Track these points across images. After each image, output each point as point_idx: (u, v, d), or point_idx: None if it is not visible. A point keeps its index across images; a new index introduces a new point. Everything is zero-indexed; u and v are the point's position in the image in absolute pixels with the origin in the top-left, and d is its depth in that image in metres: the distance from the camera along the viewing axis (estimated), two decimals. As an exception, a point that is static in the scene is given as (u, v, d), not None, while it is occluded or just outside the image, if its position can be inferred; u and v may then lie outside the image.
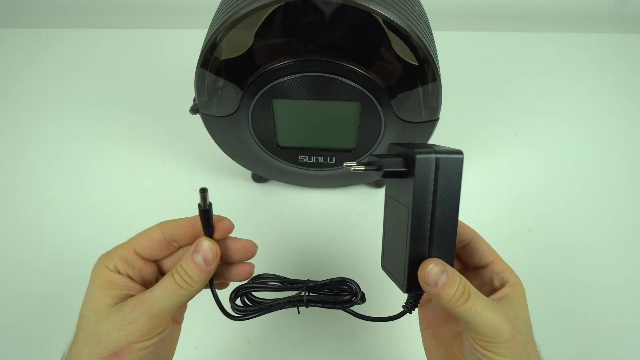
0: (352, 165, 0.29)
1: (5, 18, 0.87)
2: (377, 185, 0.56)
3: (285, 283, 0.32)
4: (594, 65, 0.76)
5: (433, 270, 0.27)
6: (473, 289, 0.27)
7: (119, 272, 0.28)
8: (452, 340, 0.33)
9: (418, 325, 0.35)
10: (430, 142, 0.48)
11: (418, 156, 0.27)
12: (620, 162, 0.60)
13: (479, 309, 0.26)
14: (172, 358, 0.32)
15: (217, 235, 0.29)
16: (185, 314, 0.33)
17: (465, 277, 0.30)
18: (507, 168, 0.59)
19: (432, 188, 0.28)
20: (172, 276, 0.27)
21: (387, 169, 0.28)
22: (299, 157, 0.49)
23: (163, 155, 0.60)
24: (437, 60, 0.42)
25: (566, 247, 0.50)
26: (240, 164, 0.52)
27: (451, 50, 0.63)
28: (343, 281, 0.31)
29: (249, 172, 0.56)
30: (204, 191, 0.27)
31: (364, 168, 0.29)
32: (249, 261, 0.32)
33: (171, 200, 0.54)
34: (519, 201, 0.54)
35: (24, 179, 0.57)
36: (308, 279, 0.32)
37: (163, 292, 0.26)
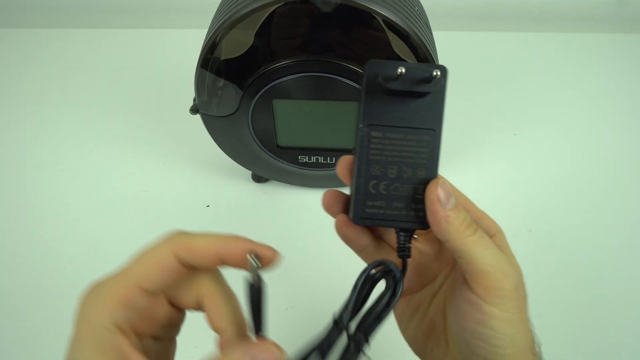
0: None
1: (5, 18, 0.87)
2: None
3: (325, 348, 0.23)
4: (594, 65, 0.76)
5: (446, 184, 0.24)
6: (478, 227, 0.24)
7: (121, 329, 0.20)
8: (428, 305, 0.29)
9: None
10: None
11: (445, 66, 0.25)
12: (621, 162, 0.60)
13: (486, 242, 0.23)
14: None
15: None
16: (188, 314, 0.29)
17: (430, 237, 0.28)
18: (507, 168, 0.58)
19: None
20: None
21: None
22: (299, 157, 0.49)
23: (163, 155, 0.60)
24: (437, 60, 0.42)
25: (566, 247, 0.50)
26: (240, 164, 0.52)
27: (451, 50, 0.63)
28: (369, 277, 0.25)
29: (249, 172, 0.56)
30: (255, 259, 0.22)
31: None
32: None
33: (171, 201, 0.54)
34: (519, 201, 0.54)
35: (24, 179, 0.57)
36: (340, 318, 0.24)
37: None
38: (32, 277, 0.47)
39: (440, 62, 0.45)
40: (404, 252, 0.26)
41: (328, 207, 0.27)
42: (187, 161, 0.59)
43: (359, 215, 0.26)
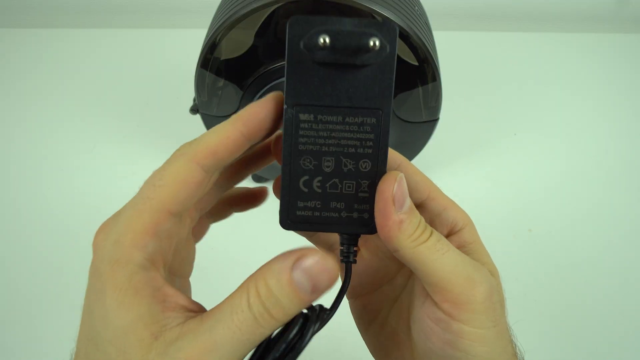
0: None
1: (5, 18, 0.87)
2: None
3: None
4: (594, 65, 0.76)
5: (403, 181, 0.19)
6: (432, 228, 0.20)
7: (153, 262, 0.18)
8: (388, 311, 0.24)
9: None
10: (430, 143, 0.48)
11: (394, 25, 0.19)
12: (620, 162, 0.60)
13: (444, 246, 0.19)
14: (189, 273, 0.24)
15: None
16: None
17: None
18: (507, 168, 0.58)
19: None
20: (249, 307, 0.16)
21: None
22: (299, 157, 0.49)
23: (163, 155, 0.59)
24: (437, 60, 0.42)
25: (566, 247, 0.50)
26: (240, 164, 0.52)
27: (451, 50, 0.63)
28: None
29: (249, 172, 0.56)
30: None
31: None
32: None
33: (171, 200, 0.54)
34: (519, 201, 0.54)
35: (24, 179, 0.57)
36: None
37: (231, 336, 0.16)
38: (32, 277, 0.46)
39: (441, 62, 0.45)
40: (347, 257, 0.21)
41: (276, 193, 0.24)
42: (187, 161, 0.59)
43: (287, 219, 0.21)
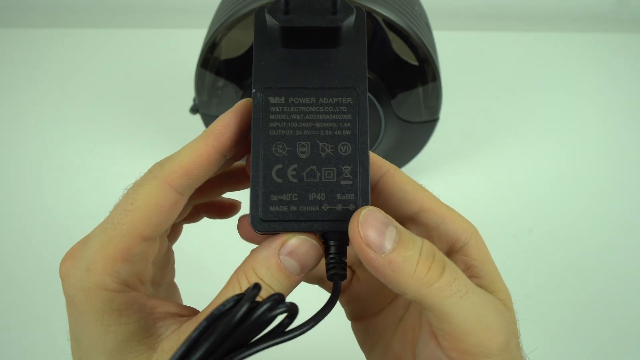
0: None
1: (5, 18, 0.87)
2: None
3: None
4: (594, 65, 0.76)
5: (374, 213, 0.16)
6: (445, 257, 0.17)
7: (129, 284, 0.17)
8: (391, 333, 0.22)
9: None
10: (430, 143, 0.48)
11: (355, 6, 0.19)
12: (620, 162, 0.60)
13: (461, 287, 0.16)
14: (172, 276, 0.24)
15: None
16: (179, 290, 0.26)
17: None
18: (507, 168, 0.58)
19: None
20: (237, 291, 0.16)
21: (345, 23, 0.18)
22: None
23: (163, 155, 0.59)
24: (437, 60, 0.42)
25: (566, 247, 0.50)
26: (240, 164, 0.52)
27: (451, 50, 0.63)
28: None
29: (249, 172, 0.56)
30: None
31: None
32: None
33: (171, 200, 0.54)
34: (519, 201, 0.54)
35: (24, 179, 0.57)
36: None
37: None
38: (31, 277, 0.46)
39: (441, 62, 0.45)
40: (334, 269, 0.18)
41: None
42: (187, 161, 0.59)
43: (259, 217, 0.18)
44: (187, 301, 0.25)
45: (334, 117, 0.18)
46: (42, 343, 0.42)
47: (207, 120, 0.46)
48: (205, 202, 0.24)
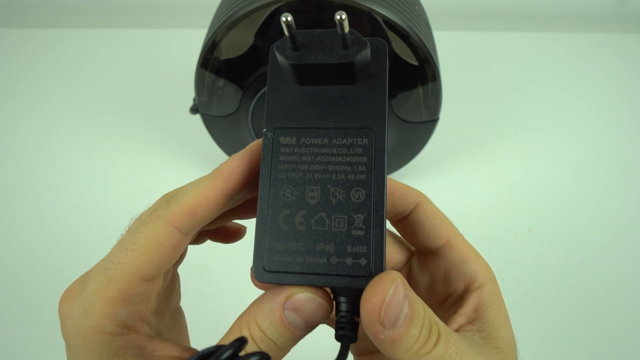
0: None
1: (5, 18, 0.87)
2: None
3: None
4: (594, 65, 0.76)
5: (399, 290, 0.15)
6: (439, 322, 0.16)
7: (128, 326, 0.17)
8: None
9: None
10: (430, 143, 0.48)
11: (384, 42, 0.18)
12: (620, 162, 0.60)
13: (453, 354, 0.16)
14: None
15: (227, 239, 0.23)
16: (186, 313, 0.26)
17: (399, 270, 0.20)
18: (507, 168, 0.58)
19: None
20: None
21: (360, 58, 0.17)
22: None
23: (163, 155, 0.60)
24: (437, 60, 0.42)
25: (566, 247, 0.50)
26: (240, 164, 0.52)
27: (451, 50, 0.63)
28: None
29: (249, 172, 0.56)
30: None
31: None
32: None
33: (171, 200, 0.54)
34: (519, 201, 0.54)
35: (24, 179, 0.57)
36: None
37: None
38: (31, 278, 0.46)
39: (441, 62, 0.45)
40: (344, 329, 0.17)
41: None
42: (187, 161, 0.59)
43: (262, 267, 0.17)
44: (186, 301, 0.25)
45: (347, 159, 0.17)
46: (41, 342, 0.42)
47: (207, 120, 0.46)
48: (210, 228, 0.23)
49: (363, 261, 0.16)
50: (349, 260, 0.16)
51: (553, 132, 0.64)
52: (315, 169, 0.17)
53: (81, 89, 0.71)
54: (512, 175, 0.58)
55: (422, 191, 0.20)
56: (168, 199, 0.18)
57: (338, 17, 0.16)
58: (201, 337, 0.24)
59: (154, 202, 0.18)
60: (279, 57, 0.17)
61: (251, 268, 0.17)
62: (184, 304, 0.24)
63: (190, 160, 0.59)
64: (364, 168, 0.17)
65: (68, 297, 0.17)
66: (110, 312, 0.16)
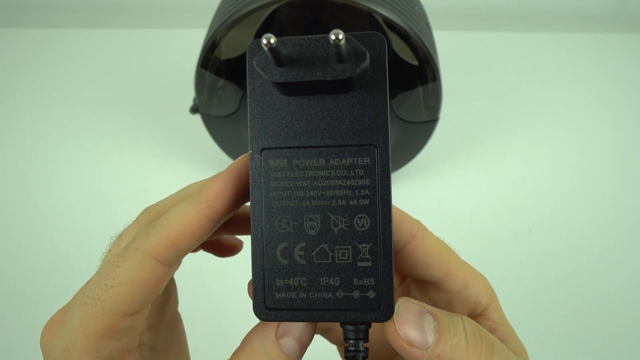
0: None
1: (5, 18, 0.87)
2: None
3: None
4: (594, 65, 0.76)
5: (409, 308, 0.15)
6: (489, 334, 0.16)
7: None
8: None
9: None
10: (430, 143, 0.48)
11: (381, 37, 0.15)
12: (620, 162, 0.60)
13: None
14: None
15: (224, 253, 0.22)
16: (184, 316, 0.25)
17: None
18: (507, 168, 0.58)
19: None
20: None
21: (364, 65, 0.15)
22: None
23: (163, 155, 0.60)
24: (437, 60, 0.42)
25: (566, 247, 0.50)
26: (240, 164, 0.52)
27: (451, 50, 0.63)
28: None
29: (249, 172, 0.56)
30: None
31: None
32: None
33: (171, 200, 0.54)
34: (519, 201, 0.54)
35: (24, 179, 0.57)
36: None
37: None
38: (31, 278, 0.46)
39: (441, 62, 0.45)
40: (353, 359, 0.16)
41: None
42: (187, 161, 0.59)
43: (263, 305, 0.16)
44: (183, 306, 0.25)
45: (348, 182, 0.15)
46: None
47: (207, 120, 0.46)
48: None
49: (371, 294, 0.15)
50: (356, 294, 0.15)
51: (553, 132, 0.64)
52: (312, 195, 0.15)
53: (81, 89, 0.71)
54: (512, 175, 0.57)
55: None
56: (148, 227, 0.16)
57: (334, 37, 0.13)
58: (199, 343, 0.24)
59: (132, 223, 0.17)
60: (261, 73, 0.15)
61: (249, 283, 0.16)
62: (181, 308, 0.24)
63: (190, 160, 0.59)
64: (367, 192, 0.15)
65: (50, 332, 0.17)
66: (93, 350, 0.16)
